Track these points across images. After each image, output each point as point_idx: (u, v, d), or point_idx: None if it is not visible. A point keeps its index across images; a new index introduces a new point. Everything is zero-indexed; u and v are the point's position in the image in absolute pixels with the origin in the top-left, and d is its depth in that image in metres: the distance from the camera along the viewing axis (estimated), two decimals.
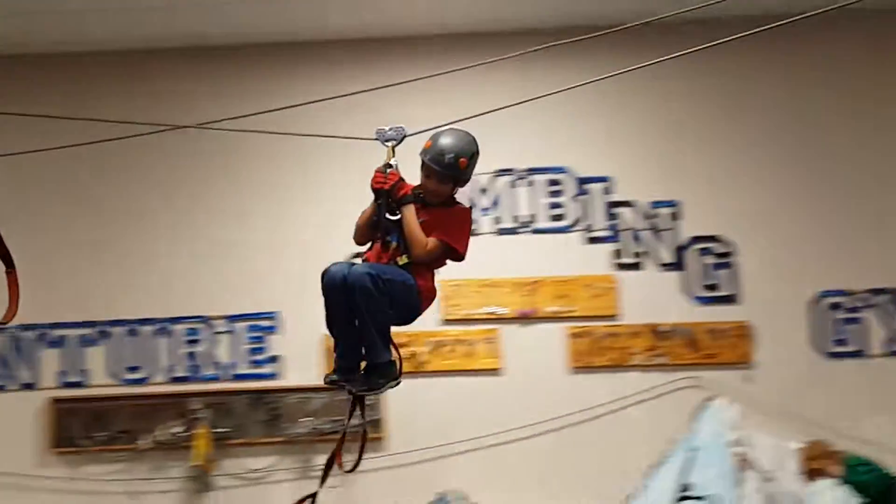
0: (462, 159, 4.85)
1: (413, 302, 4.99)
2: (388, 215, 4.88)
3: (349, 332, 4.93)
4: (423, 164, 4.86)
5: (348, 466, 5.24)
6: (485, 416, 8.00)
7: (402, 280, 4.89)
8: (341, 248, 5.79)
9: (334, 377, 4.98)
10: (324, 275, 4.89)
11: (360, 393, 5.12)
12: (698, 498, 7.10)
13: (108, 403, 8.10)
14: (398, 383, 5.06)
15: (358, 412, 5.15)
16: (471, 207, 5.25)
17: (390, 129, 4.89)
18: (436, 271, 5.03)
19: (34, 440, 8.08)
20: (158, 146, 7.93)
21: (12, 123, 6.21)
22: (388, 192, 4.85)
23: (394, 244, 4.90)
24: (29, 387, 8.15)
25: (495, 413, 8.00)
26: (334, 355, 4.98)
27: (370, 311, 4.80)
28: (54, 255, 8.20)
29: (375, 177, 4.86)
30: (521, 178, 8.37)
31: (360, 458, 5.16)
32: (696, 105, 8.35)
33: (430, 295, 5.08)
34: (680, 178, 8.29)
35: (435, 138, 4.88)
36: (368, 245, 5.00)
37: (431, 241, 4.89)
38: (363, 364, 4.95)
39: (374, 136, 4.86)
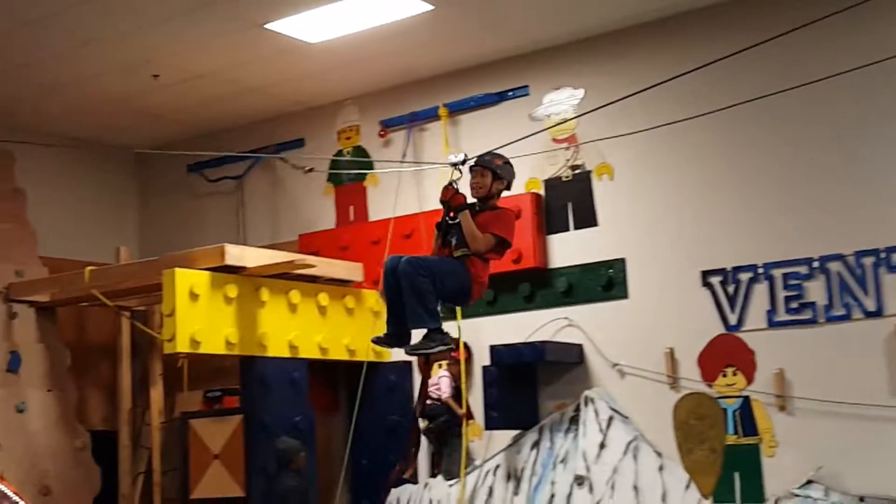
0: (496, 160, 6.92)
1: (463, 285, 6.71)
2: (448, 220, 6.77)
3: (397, 308, 6.65)
4: (473, 167, 6.84)
5: None
6: None
7: (449, 268, 6.67)
8: None
9: (379, 337, 6.94)
10: (385, 263, 6.76)
11: (413, 352, 6.91)
12: None
13: None
14: (450, 348, 6.84)
15: None
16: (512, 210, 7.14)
17: (454, 156, 6.88)
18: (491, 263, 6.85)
19: (882, 370, 7.96)
20: None
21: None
22: (448, 203, 6.73)
23: (453, 241, 6.71)
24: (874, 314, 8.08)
25: None
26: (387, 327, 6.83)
27: (412, 289, 6.50)
28: None
29: (443, 192, 6.75)
30: None
31: None
32: None
33: (481, 281, 6.81)
34: None
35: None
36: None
37: (486, 236, 6.67)
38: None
39: (446, 162, 6.91)
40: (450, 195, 6.73)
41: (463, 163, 6.82)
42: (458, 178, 6.77)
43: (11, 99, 10.11)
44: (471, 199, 6.81)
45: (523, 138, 7.63)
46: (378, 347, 9.47)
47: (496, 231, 6.73)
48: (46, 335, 10.48)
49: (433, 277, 6.57)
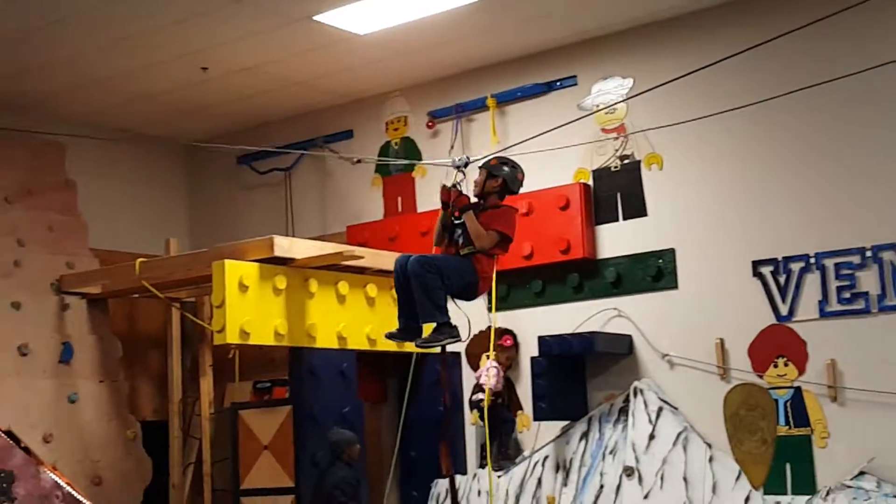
0: (493, 160, 7.46)
1: (470, 281, 7.24)
2: (453, 219, 7.23)
3: (408, 305, 7.24)
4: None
5: None
6: None
7: (456, 265, 7.19)
8: None
9: (392, 333, 7.48)
10: (395, 262, 7.30)
11: (423, 345, 7.38)
12: None
13: None
14: (458, 340, 7.30)
15: None
16: (513, 208, 7.49)
17: (458, 159, 7.42)
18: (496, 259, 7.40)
19: None
20: None
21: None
22: (452, 203, 7.21)
23: (459, 240, 7.21)
24: None
25: None
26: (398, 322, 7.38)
27: (422, 286, 7.06)
28: None
29: (441, 193, 7.31)
30: None
31: None
32: None
33: (487, 276, 7.36)
34: None
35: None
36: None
37: (490, 233, 7.14)
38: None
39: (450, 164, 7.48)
40: (454, 196, 7.26)
41: (466, 165, 7.39)
42: (462, 180, 7.37)
43: (62, 91, 10.21)
44: (474, 200, 7.35)
45: (566, 124, 7.95)
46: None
47: (498, 228, 7.21)
48: (98, 326, 10.59)
49: (441, 274, 7.12)
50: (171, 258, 10.25)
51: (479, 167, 7.44)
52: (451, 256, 7.34)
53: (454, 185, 7.32)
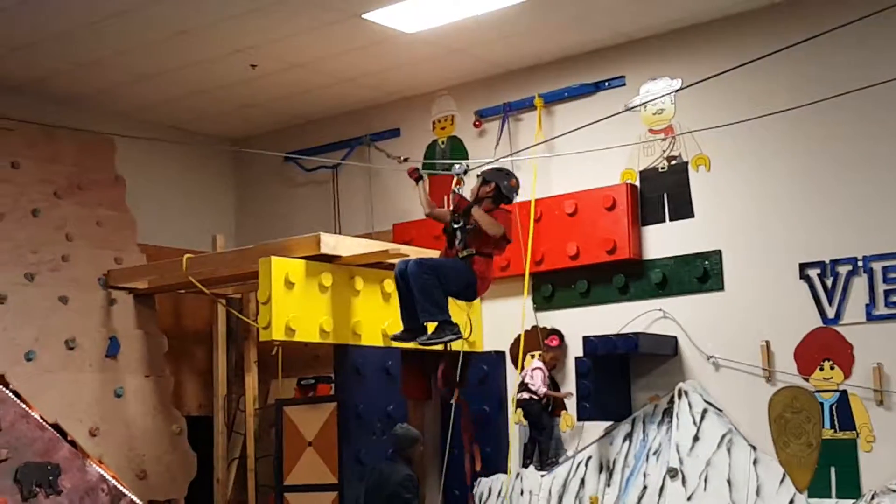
0: (491, 168, 8.33)
1: (469, 281, 7.94)
2: (453, 225, 7.96)
3: (409, 307, 7.94)
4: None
5: None
6: None
7: (452, 266, 7.90)
8: None
9: (397, 335, 8.22)
10: (395, 269, 8.03)
11: (426, 343, 8.05)
12: None
13: None
14: (459, 337, 8.08)
15: None
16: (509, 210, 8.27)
17: (458, 166, 8.25)
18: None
19: None
20: None
21: None
22: (453, 210, 8.03)
23: (458, 244, 7.90)
24: None
25: None
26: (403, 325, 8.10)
27: (420, 287, 7.73)
28: None
29: (410, 172, 8.43)
30: None
31: None
32: None
33: (486, 277, 8.08)
34: None
35: None
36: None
37: (497, 223, 7.81)
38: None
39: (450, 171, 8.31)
40: (456, 200, 7.99)
41: (465, 172, 8.19)
42: (462, 187, 8.11)
43: (111, 87, 10.32)
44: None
45: (609, 116, 7.99)
46: (472, 337, 9.74)
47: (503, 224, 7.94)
48: (144, 321, 10.69)
49: (437, 275, 7.79)
50: (217, 254, 10.33)
51: (477, 176, 8.15)
52: (450, 259, 8.00)
53: (453, 192, 8.13)
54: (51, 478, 9.36)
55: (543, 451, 9.38)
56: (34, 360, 9.72)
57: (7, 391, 9.31)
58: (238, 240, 11.77)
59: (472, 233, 7.98)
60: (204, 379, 11.22)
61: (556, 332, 9.61)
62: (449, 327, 7.99)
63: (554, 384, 9.52)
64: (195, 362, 11.32)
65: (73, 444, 9.73)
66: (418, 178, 8.60)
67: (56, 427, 9.63)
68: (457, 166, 8.24)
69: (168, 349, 10.83)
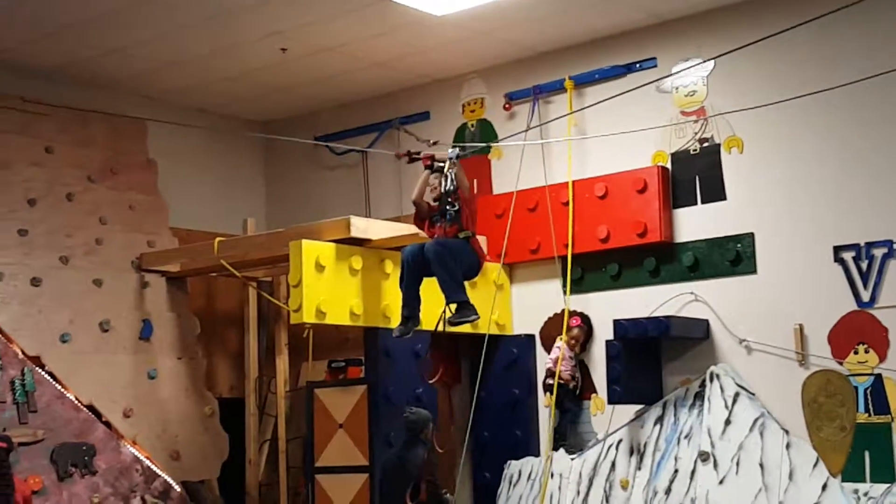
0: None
1: (472, 260, 8.30)
2: (446, 206, 8.28)
3: (413, 294, 8.31)
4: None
5: None
6: None
7: (462, 247, 8.19)
8: None
9: (399, 329, 8.43)
10: (403, 253, 8.34)
11: (457, 323, 8.26)
12: None
13: None
14: (478, 317, 8.36)
15: None
16: None
17: (451, 150, 8.46)
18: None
19: None
20: None
21: None
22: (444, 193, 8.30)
23: (446, 226, 8.26)
24: None
25: None
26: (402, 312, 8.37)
27: (443, 266, 7.98)
28: None
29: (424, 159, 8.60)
30: None
31: None
32: None
33: (483, 256, 8.57)
34: None
35: None
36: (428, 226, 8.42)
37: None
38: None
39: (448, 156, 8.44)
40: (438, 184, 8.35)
41: (458, 157, 8.37)
42: (455, 170, 8.31)
43: (143, 72, 10.36)
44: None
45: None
46: (501, 320, 9.74)
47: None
48: (177, 304, 10.76)
49: (454, 256, 8.07)
50: (248, 238, 10.38)
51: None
52: (454, 240, 8.24)
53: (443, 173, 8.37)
54: (86, 458, 9.51)
55: (560, 433, 9.40)
56: (69, 343, 9.81)
57: (43, 373, 9.43)
58: (269, 223, 11.82)
59: (457, 214, 8.34)
60: (235, 361, 11.29)
61: (577, 314, 9.59)
62: (470, 307, 8.19)
63: (582, 368, 9.50)
64: (227, 345, 11.38)
65: (107, 425, 9.86)
66: (411, 160, 8.98)
67: (91, 408, 9.77)
68: (450, 150, 8.38)
69: (200, 332, 10.90)
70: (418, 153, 9.00)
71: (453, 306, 8.32)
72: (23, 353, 9.38)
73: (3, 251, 9.54)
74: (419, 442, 8.52)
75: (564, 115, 9.72)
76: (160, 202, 10.94)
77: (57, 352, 9.63)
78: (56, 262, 9.87)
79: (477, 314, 8.29)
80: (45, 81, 10.19)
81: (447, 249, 8.04)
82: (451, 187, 8.30)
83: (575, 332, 9.47)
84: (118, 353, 10.20)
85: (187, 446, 10.51)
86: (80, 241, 10.11)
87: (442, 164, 8.44)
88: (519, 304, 10.13)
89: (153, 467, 9.99)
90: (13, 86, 9.95)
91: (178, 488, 10.09)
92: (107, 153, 10.53)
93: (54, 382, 9.52)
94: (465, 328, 9.49)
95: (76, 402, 9.64)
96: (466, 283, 8.48)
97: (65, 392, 9.58)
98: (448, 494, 8.39)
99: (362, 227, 9.15)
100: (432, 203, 8.55)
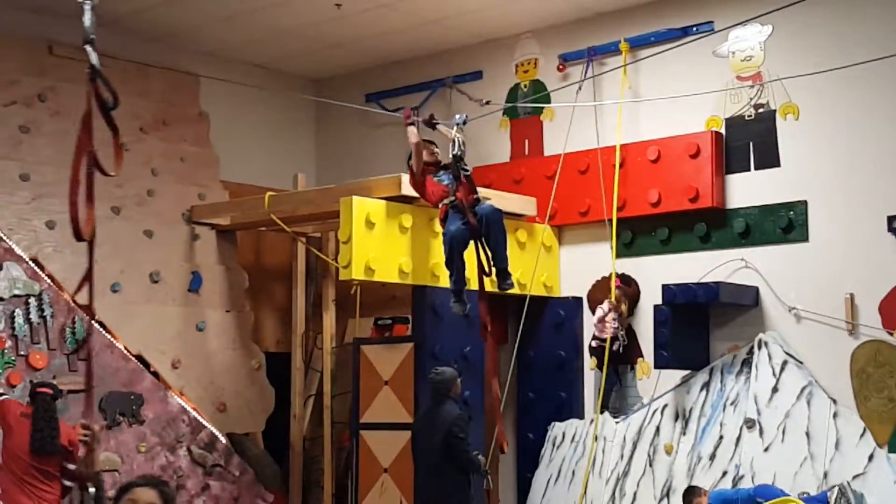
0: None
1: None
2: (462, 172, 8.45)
3: (463, 265, 8.36)
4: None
5: None
6: None
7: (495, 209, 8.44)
8: None
9: (456, 303, 8.56)
10: (449, 233, 8.31)
11: (507, 287, 8.50)
12: None
13: None
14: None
15: None
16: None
17: (458, 116, 8.47)
18: None
19: None
20: None
21: None
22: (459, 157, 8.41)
23: (464, 187, 8.40)
24: None
25: None
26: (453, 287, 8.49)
27: (502, 230, 8.25)
28: None
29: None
30: None
31: None
32: None
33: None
34: None
35: None
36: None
37: None
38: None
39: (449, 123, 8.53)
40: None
41: (465, 123, 8.45)
42: (461, 137, 8.36)
43: (197, 26, 10.38)
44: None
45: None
46: (549, 282, 9.73)
47: None
48: (226, 257, 10.84)
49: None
50: (298, 193, 10.41)
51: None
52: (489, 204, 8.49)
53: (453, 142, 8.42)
54: (134, 407, 9.63)
55: (620, 396, 9.41)
56: (119, 292, 9.93)
57: (93, 322, 9.54)
58: (319, 179, 11.84)
59: (469, 179, 8.56)
60: (282, 316, 11.36)
61: (619, 276, 9.56)
62: (509, 274, 8.46)
63: (629, 332, 9.47)
64: (274, 299, 11.46)
65: (155, 375, 9.98)
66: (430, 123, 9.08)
67: (139, 358, 9.89)
68: (457, 116, 8.42)
69: (248, 285, 10.98)
70: (434, 120, 9.13)
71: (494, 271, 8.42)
72: (73, 301, 9.48)
73: (56, 200, 9.62)
74: (448, 399, 8.46)
75: (615, 69, 9.63)
76: (211, 155, 10.99)
77: (107, 301, 9.73)
78: (108, 213, 9.95)
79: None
80: (101, 32, 10.12)
81: (500, 213, 8.12)
82: (460, 152, 8.24)
83: (617, 293, 9.44)
84: (167, 304, 10.30)
85: (233, 399, 10.62)
86: (132, 192, 10.20)
87: (444, 125, 8.61)
88: (567, 267, 10.11)
89: (199, 418, 10.11)
90: (69, 35, 9.94)
91: (223, 440, 10.21)
92: (159, 105, 10.59)
93: (104, 332, 9.63)
94: (514, 289, 9.50)
95: (125, 351, 9.75)
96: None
97: (114, 341, 9.69)
98: (479, 455, 8.34)
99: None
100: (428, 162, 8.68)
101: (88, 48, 4.66)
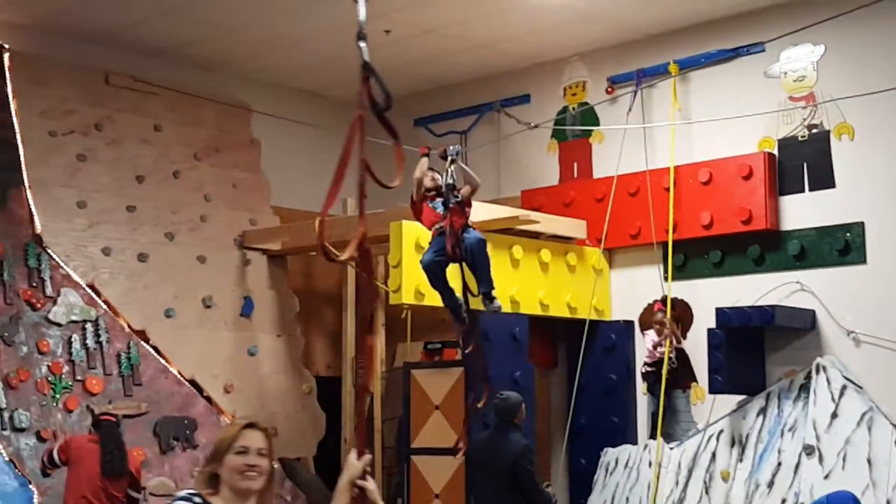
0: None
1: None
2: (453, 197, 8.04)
3: (449, 289, 8.05)
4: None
5: None
6: None
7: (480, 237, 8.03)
8: None
9: (462, 329, 8.26)
10: (423, 262, 8.00)
11: (496, 310, 8.16)
12: None
13: None
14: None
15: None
16: None
17: (452, 147, 8.17)
18: None
19: None
20: None
21: None
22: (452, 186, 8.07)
23: (452, 214, 7.96)
24: None
25: None
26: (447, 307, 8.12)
27: (485, 258, 7.90)
28: None
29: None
30: None
31: None
32: None
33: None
34: None
35: None
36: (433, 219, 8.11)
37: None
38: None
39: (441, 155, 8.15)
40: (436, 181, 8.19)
41: (458, 153, 8.20)
42: (455, 167, 8.11)
43: (248, 53, 10.46)
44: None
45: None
46: (600, 305, 9.67)
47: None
48: (277, 282, 10.89)
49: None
50: (348, 217, 10.42)
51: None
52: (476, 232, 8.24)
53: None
54: (188, 432, 9.67)
55: (654, 420, 9.34)
56: (173, 318, 9.99)
57: (147, 347, 9.62)
58: (369, 203, 11.81)
59: (461, 206, 8.33)
60: (333, 340, 11.38)
61: (660, 301, 9.49)
62: (493, 296, 8.20)
63: (682, 356, 9.38)
64: (324, 323, 11.48)
65: (208, 399, 10.02)
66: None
67: (192, 383, 9.93)
68: (451, 148, 8.36)
69: (299, 310, 11.01)
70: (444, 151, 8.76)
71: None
72: (129, 326, 9.56)
73: (112, 227, 9.75)
74: (512, 426, 8.38)
75: (668, 77, 9.57)
76: (262, 181, 11.06)
77: (161, 326, 9.80)
78: (162, 238, 10.05)
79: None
80: (155, 60, 10.35)
81: (484, 242, 8.10)
82: (452, 181, 8.27)
83: (658, 316, 9.38)
84: (220, 328, 10.35)
85: (285, 423, 10.63)
86: (186, 218, 10.28)
87: (448, 156, 8.42)
88: (618, 290, 10.05)
89: None
90: (125, 65, 10.14)
91: (275, 464, 10.20)
92: (212, 132, 10.68)
93: (158, 356, 9.69)
94: (564, 313, 9.49)
95: (179, 376, 9.81)
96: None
97: (168, 366, 9.75)
98: (550, 487, 8.31)
99: None
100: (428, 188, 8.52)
101: (362, 44, 4.34)
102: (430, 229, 8.69)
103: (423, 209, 8.62)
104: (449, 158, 8.36)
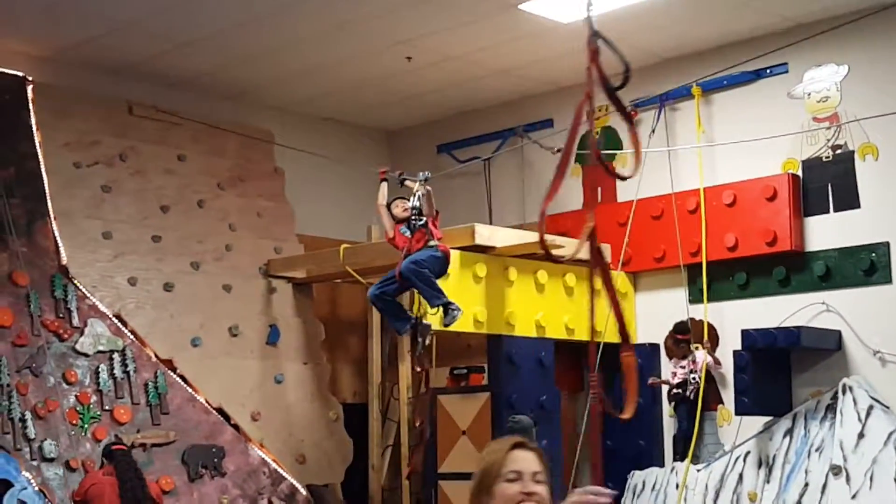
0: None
1: (440, 258, 8.50)
2: (415, 221, 8.61)
3: (399, 311, 8.68)
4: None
5: None
6: None
7: (431, 254, 8.43)
8: None
9: (418, 350, 8.81)
10: (370, 297, 8.73)
11: (449, 323, 8.41)
12: None
13: None
14: (461, 311, 8.38)
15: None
16: None
17: (421, 173, 8.75)
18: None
19: None
20: None
21: None
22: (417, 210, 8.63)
23: (415, 233, 8.54)
24: None
25: None
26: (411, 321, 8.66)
27: (421, 279, 8.30)
28: None
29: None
30: None
31: None
32: None
33: (448, 251, 8.59)
34: None
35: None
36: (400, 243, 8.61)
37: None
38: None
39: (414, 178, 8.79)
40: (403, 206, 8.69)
41: (427, 180, 8.66)
42: (423, 192, 8.60)
43: (270, 81, 10.56)
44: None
45: None
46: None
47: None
48: (303, 310, 10.92)
49: (427, 266, 8.36)
50: (372, 244, 10.47)
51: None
52: (419, 252, 8.50)
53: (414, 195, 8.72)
54: (216, 460, 9.69)
55: (678, 442, 9.31)
56: (200, 347, 10.04)
57: (175, 376, 9.67)
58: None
59: (423, 228, 8.69)
60: (359, 367, 11.40)
61: (681, 323, 9.49)
62: (451, 304, 8.38)
63: (708, 377, 9.34)
64: (350, 351, 11.50)
65: (236, 427, 10.04)
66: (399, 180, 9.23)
67: (220, 411, 9.96)
68: (420, 174, 8.71)
69: (325, 337, 11.04)
70: (402, 176, 9.31)
71: (436, 311, 8.54)
72: (156, 356, 9.61)
73: (137, 257, 9.82)
74: None
75: (691, 99, 9.56)
76: (287, 209, 11.12)
77: (188, 355, 9.85)
78: (187, 268, 10.11)
79: (459, 309, 8.42)
80: (178, 91, 10.46)
81: (417, 263, 8.33)
82: (418, 203, 8.63)
83: (668, 342, 9.40)
84: (246, 357, 10.39)
85: (312, 450, 10.65)
86: (211, 247, 10.35)
87: (410, 180, 8.93)
88: (643, 313, 10.03)
89: (280, 470, 10.15)
90: (148, 95, 10.24)
91: (303, 491, 10.22)
92: (236, 161, 10.76)
93: (185, 385, 9.74)
94: (587, 336, 9.42)
95: (206, 404, 9.84)
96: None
97: (195, 395, 9.79)
98: None
99: (486, 234, 9.18)
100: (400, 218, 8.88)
101: (592, 15, 4.07)
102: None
103: (396, 234, 8.86)
104: (419, 182, 8.69)
